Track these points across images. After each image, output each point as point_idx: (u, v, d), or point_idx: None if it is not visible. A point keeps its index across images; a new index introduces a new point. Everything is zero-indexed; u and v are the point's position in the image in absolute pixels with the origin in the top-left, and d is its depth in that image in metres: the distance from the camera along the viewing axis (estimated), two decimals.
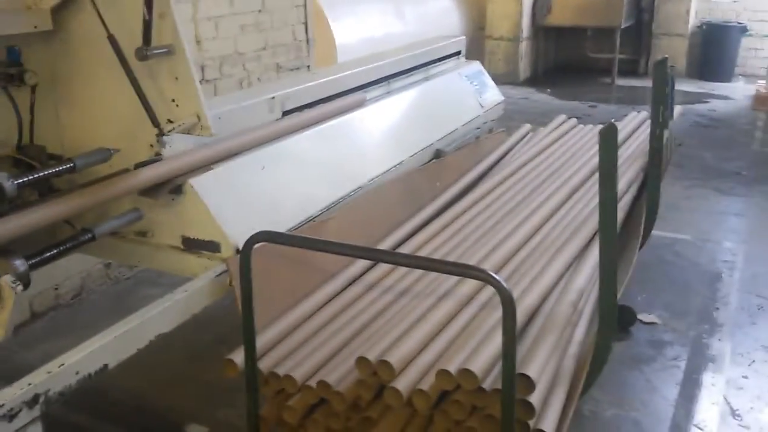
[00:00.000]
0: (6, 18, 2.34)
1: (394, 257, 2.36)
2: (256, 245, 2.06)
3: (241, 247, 2.48)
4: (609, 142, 2.04)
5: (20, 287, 1.82)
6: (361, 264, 2.66)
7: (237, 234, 2.50)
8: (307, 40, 5.61)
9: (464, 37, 5.08)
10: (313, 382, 2.12)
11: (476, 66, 4.86)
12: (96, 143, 2.48)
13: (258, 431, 2.17)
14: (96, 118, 2.55)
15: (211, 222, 2.48)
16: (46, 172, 2.08)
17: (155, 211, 2.53)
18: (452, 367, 1.96)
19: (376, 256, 2.51)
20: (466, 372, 1.93)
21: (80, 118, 2.57)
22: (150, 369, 3.09)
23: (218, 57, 4.67)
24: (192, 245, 2.54)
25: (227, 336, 3.63)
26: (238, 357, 2.23)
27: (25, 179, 2.05)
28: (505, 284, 1.67)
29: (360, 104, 3.60)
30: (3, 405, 1.70)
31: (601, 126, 2.09)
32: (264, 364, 2.17)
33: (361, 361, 2.05)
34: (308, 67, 5.63)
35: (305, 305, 2.50)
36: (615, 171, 2.08)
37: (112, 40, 2.28)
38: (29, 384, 1.78)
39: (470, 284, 2.39)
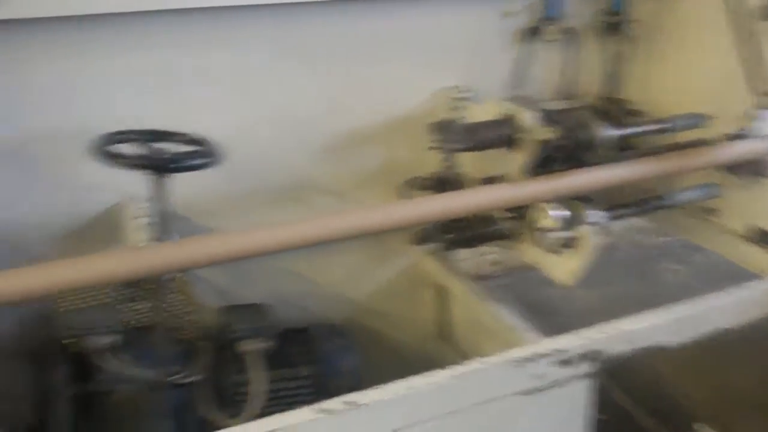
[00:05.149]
0: None
1: None
2: None
3: None
4: None
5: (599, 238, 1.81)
6: None
7: None
8: None
9: None
10: None
11: None
12: (677, 106, 2.32)
13: None
14: (686, 80, 2.39)
15: None
16: (647, 128, 2.01)
17: (729, 190, 2.29)
18: None
19: None
20: None
21: (669, 77, 2.45)
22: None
23: None
24: (763, 238, 2.23)
25: None
26: None
27: (627, 132, 2.00)
28: None
29: None
30: (567, 350, 1.72)
31: None
32: None
33: None
34: None
35: None
36: None
37: None
38: (586, 338, 1.78)
39: None
